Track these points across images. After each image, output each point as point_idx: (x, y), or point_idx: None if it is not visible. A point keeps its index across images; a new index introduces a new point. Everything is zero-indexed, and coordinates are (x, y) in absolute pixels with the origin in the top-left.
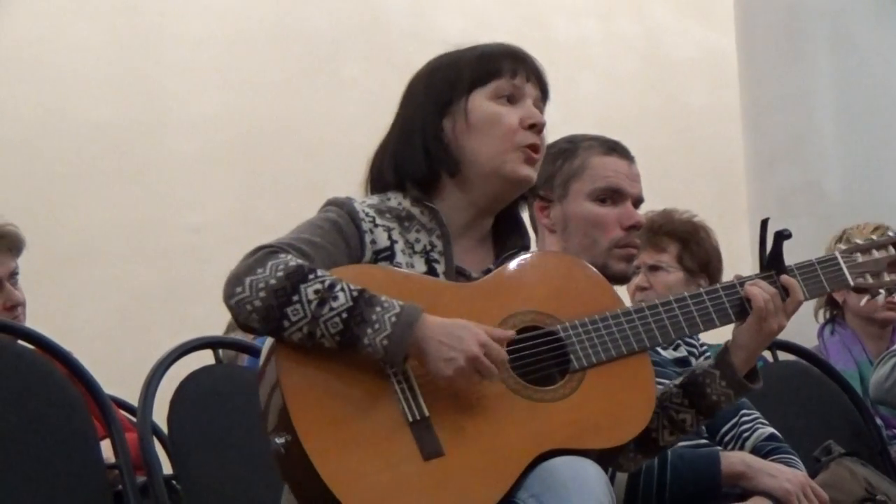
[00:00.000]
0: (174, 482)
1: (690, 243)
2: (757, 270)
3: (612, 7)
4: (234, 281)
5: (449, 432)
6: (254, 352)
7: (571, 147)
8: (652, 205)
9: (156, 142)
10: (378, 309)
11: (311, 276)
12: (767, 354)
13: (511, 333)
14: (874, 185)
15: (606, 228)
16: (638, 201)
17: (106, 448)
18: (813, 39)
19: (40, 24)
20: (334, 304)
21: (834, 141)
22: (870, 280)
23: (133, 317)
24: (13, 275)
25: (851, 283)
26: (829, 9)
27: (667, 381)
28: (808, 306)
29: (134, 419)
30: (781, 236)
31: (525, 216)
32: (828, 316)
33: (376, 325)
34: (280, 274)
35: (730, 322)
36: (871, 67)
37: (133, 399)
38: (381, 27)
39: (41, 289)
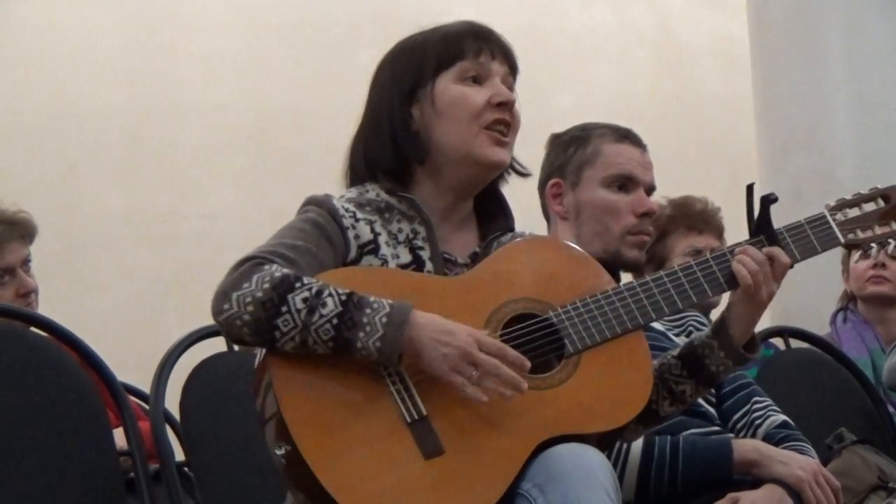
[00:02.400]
0: (186, 469)
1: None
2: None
3: None
4: (221, 297)
5: (448, 429)
6: None
7: (584, 135)
8: (663, 193)
9: (168, 129)
10: (368, 311)
11: (297, 285)
12: (780, 342)
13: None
14: (888, 173)
15: (619, 215)
16: (650, 189)
17: (118, 436)
18: (826, 27)
19: (53, 10)
20: (324, 311)
21: (847, 129)
22: (860, 235)
23: (146, 304)
24: (26, 262)
25: (842, 239)
26: None
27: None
28: (822, 294)
29: (146, 407)
30: (768, 200)
31: (509, 196)
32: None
33: (367, 328)
34: (266, 286)
35: (723, 291)
36: (884, 55)
37: (145, 386)
38: (395, 14)
39: (54, 276)
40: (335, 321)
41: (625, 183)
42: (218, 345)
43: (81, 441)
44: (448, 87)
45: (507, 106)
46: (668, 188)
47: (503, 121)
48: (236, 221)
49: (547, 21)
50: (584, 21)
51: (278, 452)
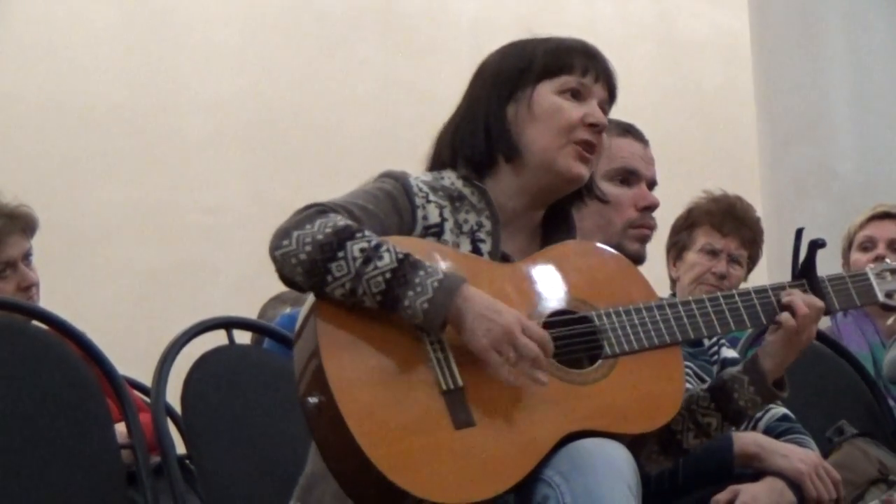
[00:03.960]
0: (188, 462)
1: (758, 246)
2: (771, 265)
3: None
4: (282, 234)
5: (481, 404)
6: (270, 333)
7: None
8: (664, 186)
9: (170, 123)
10: (422, 273)
11: (358, 235)
12: None
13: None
14: (888, 166)
15: (621, 209)
16: (652, 184)
17: (120, 429)
18: (827, 20)
19: (54, 5)
20: (379, 264)
21: (848, 122)
22: None
23: (147, 297)
24: (27, 256)
25: (881, 298)
26: None
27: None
28: None
29: (148, 400)
30: (816, 245)
31: None
32: None
33: (418, 289)
34: (328, 230)
35: (760, 325)
36: (885, 48)
37: (147, 379)
38: (396, 8)
39: (55, 270)
40: (388, 275)
41: (627, 177)
42: (219, 338)
43: (83, 434)
44: (548, 95)
45: (597, 128)
46: (668, 181)
47: (590, 142)
48: (238, 215)
49: (548, 14)
50: (584, 14)
51: (311, 401)
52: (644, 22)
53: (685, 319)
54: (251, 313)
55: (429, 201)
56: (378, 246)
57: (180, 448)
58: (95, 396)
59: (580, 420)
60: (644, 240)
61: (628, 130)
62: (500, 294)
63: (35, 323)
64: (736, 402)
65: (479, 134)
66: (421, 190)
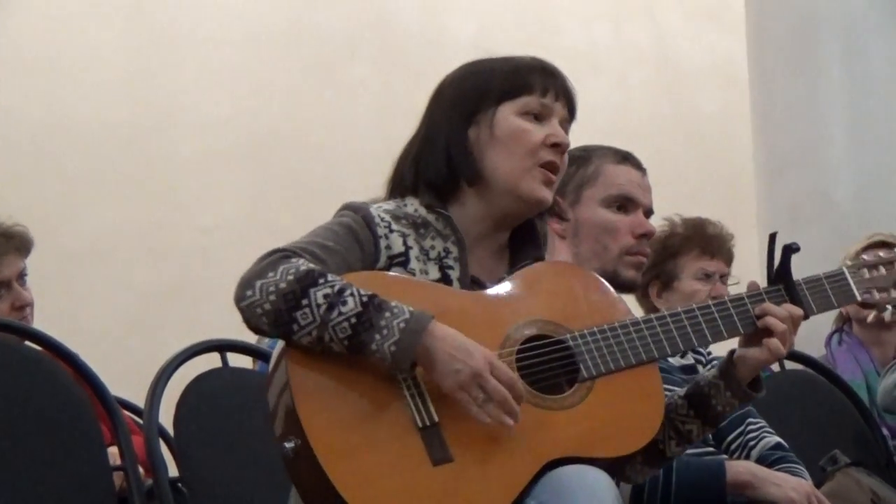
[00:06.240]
0: (180, 485)
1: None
2: (762, 279)
3: (624, 12)
4: (245, 284)
5: (458, 439)
6: (263, 356)
7: (585, 154)
8: (661, 211)
9: (166, 142)
10: (387, 314)
11: (321, 281)
12: (774, 365)
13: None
14: (884, 194)
15: (618, 235)
16: (648, 212)
17: (113, 451)
18: (824, 47)
19: (51, 24)
20: (343, 309)
21: (844, 149)
22: (877, 296)
23: (141, 318)
24: (22, 275)
25: (859, 297)
26: (840, 16)
27: (675, 389)
28: (816, 315)
29: (140, 421)
30: (790, 250)
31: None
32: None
33: (385, 331)
34: (290, 278)
35: (738, 335)
36: (882, 75)
37: (140, 401)
38: (393, 29)
39: (49, 289)
40: (353, 321)
41: (624, 203)
42: (213, 360)
43: (75, 456)
44: (509, 117)
45: (560, 149)
46: (664, 206)
47: (553, 163)
48: (233, 235)
49: (546, 38)
50: (582, 38)
51: (287, 445)
52: (641, 47)
53: (661, 335)
54: (245, 334)
55: (391, 230)
56: (342, 290)
57: (172, 470)
58: (87, 418)
59: (559, 448)
60: (640, 267)
61: (626, 158)
62: (470, 325)
63: (28, 343)
64: (714, 407)
65: (441, 159)
66: (382, 220)
